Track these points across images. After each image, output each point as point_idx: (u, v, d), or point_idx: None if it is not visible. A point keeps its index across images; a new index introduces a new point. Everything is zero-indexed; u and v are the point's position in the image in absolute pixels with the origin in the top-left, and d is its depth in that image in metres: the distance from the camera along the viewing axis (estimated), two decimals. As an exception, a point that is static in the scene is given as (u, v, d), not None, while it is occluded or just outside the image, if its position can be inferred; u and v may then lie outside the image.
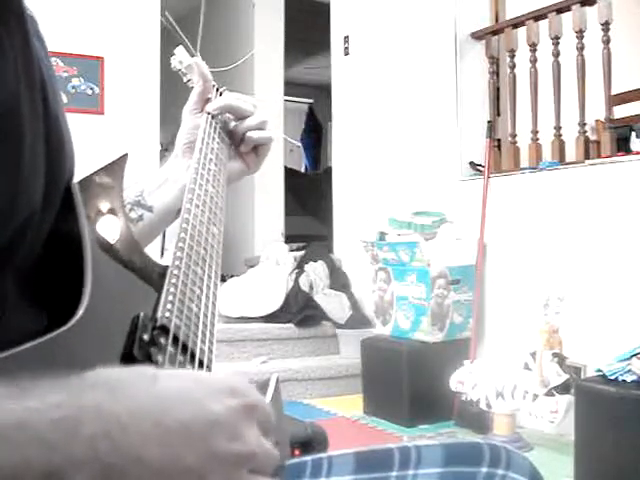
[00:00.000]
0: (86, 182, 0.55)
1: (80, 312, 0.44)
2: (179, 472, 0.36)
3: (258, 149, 0.94)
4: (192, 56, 1.01)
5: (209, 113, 0.90)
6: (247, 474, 0.39)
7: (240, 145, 0.93)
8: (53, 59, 3.89)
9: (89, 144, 3.00)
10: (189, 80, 1.00)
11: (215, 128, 0.88)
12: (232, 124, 0.93)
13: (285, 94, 5.52)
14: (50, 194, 0.49)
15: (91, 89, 3.99)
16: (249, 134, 0.92)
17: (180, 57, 1.00)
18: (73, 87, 3.93)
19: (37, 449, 0.33)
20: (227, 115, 0.93)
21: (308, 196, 6.08)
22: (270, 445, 0.42)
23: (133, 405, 0.37)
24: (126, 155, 0.61)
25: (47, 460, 0.33)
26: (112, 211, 0.56)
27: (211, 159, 0.80)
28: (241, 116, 0.92)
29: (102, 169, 0.57)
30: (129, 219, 0.80)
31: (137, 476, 0.35)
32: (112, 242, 0.54)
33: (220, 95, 0.95)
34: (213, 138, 0.85)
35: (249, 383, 0.43)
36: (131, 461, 0.35)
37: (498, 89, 3.52)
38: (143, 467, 0.35)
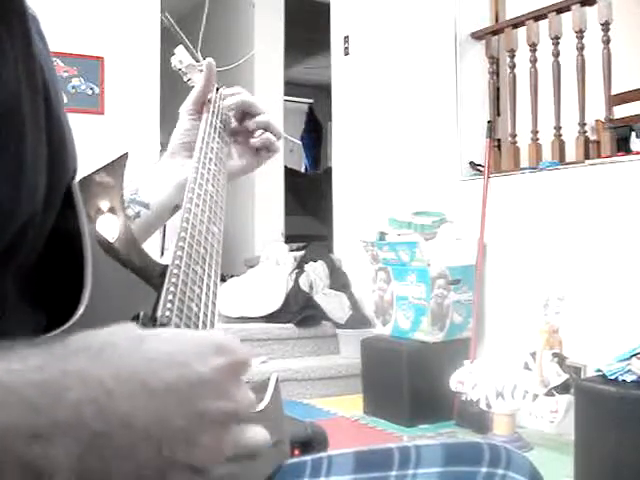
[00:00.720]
0: (86, 181, 0.55)
1: (80, 311, 0.44)
2: (167, 434, 0.36)
3: (264, 151, 0.95)
4: (193, 56, 1.01)
5: (211, 113, 0.90)
6: (234, 427, 0.40)
7: (248, 140, 0.94)
8: (53, 59, 3.88)
9: (89, 144, 3.00)
10: (189, 80, 1.00)
11: (215, 128, 0.88)
12: (234, 123, 0.93)
13: (285, 94, 5.52)
14: (52, 194, 0.49)
15: (91, 89, 3.99)
16: (267, 135, 0.93)
17: (180, 56, 1.00)
18: (73, 87, 3.93)
19: (21, 409, 0.33)
20: (229, 114, 0.92)
21: (308, 196, 6.08)
22: (251, 393, 0.42)
23: (118, 369, 0.36)
24: (126, 154, 0.61)
25: (32, 421, 0.33)
26: (112, 210, 0.56)
27: (211, 158, 0.80)
28: (254, 113, 0.93)
29: (102, 168, 0.57)
30: (128, 217, 0.80)
31: (125, 440, 0.35)
32: (112, 241, 0.54)
33: (220, 95, 0.95)
34: (213, 138, 0.85)
35: (233, 338, 0.42)
36: (118, 426, 0.35)
37: (498, 89, 3.52)
38: (131, 431, 0.35)
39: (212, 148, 0.82)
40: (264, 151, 0.95)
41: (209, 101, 0.93)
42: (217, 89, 0.96)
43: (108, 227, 0.54)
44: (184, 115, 0.93)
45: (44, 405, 0.34)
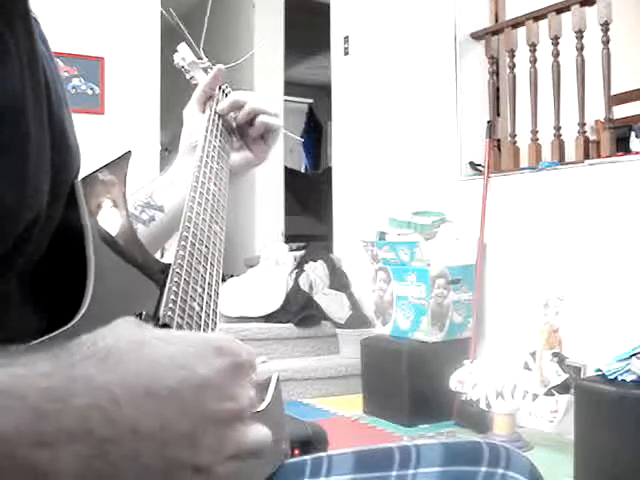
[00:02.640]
0: (89, 180, 0.55)
1: (82, 310, 0.44)
2: (172, 437, 0.37)
3: (267, 137, 0.93)
4: (196, 54, 1.00)
5: (213, 112, 0.90)
6: (238, 427, 0.40)
7: (248, 131, 0.93)
8: (55, 60, 3.89)
9: (89, 144, 3.00)
10: (192, 77, 1.00)
11: (217, 126, 0.88)
12: (234, 123, 0.93)
13: (285, 94, 5.52)
14: (56, 194, 0.50)
15: (91, 89, 3.99)
16: (261, 117, 0.91)
17: (183, 54, 0.99)
18: (73, 87, 3.93)
19: (27, 415, 0.33)
20: (231, 114, 0.92)
21: (308, 196, 6.08)
22: (253, 393, 0.42)
23: (123, 375, 0.37)
24: (129, 153, 0.61)
25: (38, 427, 0.33)
26: (115, 208, 0.56)
27: (213, 157, 0.80)
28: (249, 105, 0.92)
29: (105, 166, 0.57)
30: (140, 220, 0.80)
31: (131, 445, 0.35)
32: (115, 240, 0.54)
33: (225, 95, 0.95)
34: (215, 136, 0.85)
35: (235, 339, 0.43)
36: (125, 433, 0.35)
37: (498, 89, 3.52)
38: (137, 438, 0.35)
39: (214, 146, 0.82)
40: (261, 143, 0.94)
41: (211, 99, 0.93)
42: (222, 90, 0.95)
43: (111, 225, 0.54)
44: (188, 116, 0.93)
45: (50, 411, 0.34)
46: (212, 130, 0.85)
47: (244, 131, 0.93)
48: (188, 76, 1.00)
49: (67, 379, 0.35)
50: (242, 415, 0.40)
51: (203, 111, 0.93)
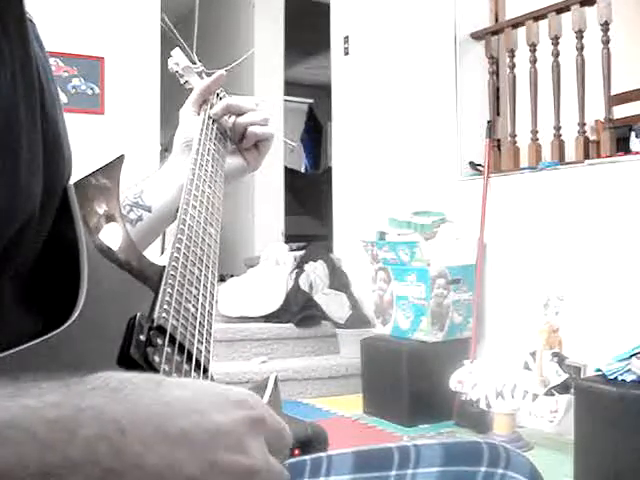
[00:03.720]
0: (82, 183, 0.55)
1: (76, 313, 0.44)
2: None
3: (259, 145, 0.93)
4: (190, 58, 1.01)
5: (207, 116, 0.90)
6: None
7: (241, 141, 0.93)
8: (53, 59, 3.90)
9: (89, 144, 3.00)
10: (186, 82, 1.00)
11: (212, 129, 0.88)
12: (230, 121, 0.93)
13: (285, 94, 5.53)
14: (48, 197, 0.50)
15: (91, 89, 3.99)
16: (251, 129, 0.91)
17: (177, 59, 1.00)
18: (73, 87, 3.93)
19: (32, 448, 0.33)
20: (225, 118, 0.92)
21: (308, 196, 6.08)
22: (276, 462, 0.41)
23: (134, 410, 0.36)
24: (122, 156, 0.61)
25: (43, 459, 0.33)
26: (108, 212, 0.56)
27: (208, 159, 0.80)
28: (241, 112, 0.92)
29: (98, 170, 0.57)
30: (128, 220, 0.80)
31: None
32: (108, 243, 0.54)
33: (219, 99, 0.95)
34: (210, 139, 0.85)
35: (256, 396, 0.42)
36: (130, 466, 0.35)
37: (498, 89, 3.52)
38: (142, 473, 0.35)
39: (209, 149, 0.82)
40: (254, 151, 0.94)
41: (206, 103, 0.93)
42: (217, 94, 0.95)
43: (104, 230, 0.54)
44: (184, 116, 0.93)
45: (57, 442, 0.33)
46: (207, 133, 0.85)
47: (237, 138, 0.93)
48: (182, 81, 1.00)
49: (76, 409, 0.35)
50: (255, 474, 0.39)
51: (199, 113, 0.93)
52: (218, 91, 0.96)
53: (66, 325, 0.43)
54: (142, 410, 0.36)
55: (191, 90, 0.99)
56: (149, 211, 0.85)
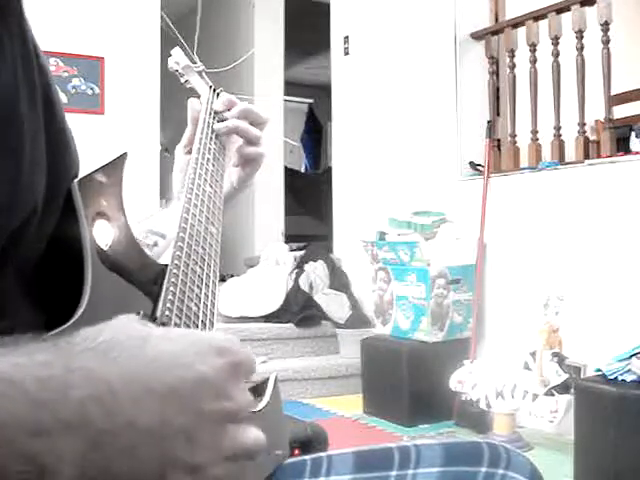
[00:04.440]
0: (85, 181, 0.55)
1: (80, 311, 0.45)
2: (169, 434, 0.37)
3: (246, 165, 0.88)
4: (190, 57, 1.00)
5: (207, 114, 0.89)
6: (233, 427, 0.40)
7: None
8: (53, 59, 3.90)
9: (89, 144, 3.00)
10: (186, 81, 1.00)
11: (212, 128, 0.87)
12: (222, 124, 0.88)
13: (285, 94, 5.52)
14: (53, 194, 0.50)
15: (91, 89, 3.99)
16: (239, 148, 0.87)
17: (177, 58, 1.00)
18: (73, 87, 3.93)
19: (24, 404, 0.33)
20: (220, 115, 0.90)
21: (308, 196, 6.08)
22: (249, 394, 0.43)
23: (123, 370, 0.37)
24: (125, 154, 0.61)
25: (35, 417, 0.33)
26: (111, 210, 0.56)
27: (209, 159, 0.80)
28: (248, 139, 0.87)
29: (101, 168, 0.57)
30: (144, 244, 0.79)
31: (128, 440, 0.36)
32: (111, 241, 0.54)
33: (217, 96, 0.94)
34: (210, 138, 0.84)
35: (235, 340, 0.43)
36: (122, 426, 0.35)
37: (498, 89, 3.52)
38: (134, 431, 0.36)
39: (210, 149, 0.82)
40: (239, 170, 0.88)
41: (206, 102, 0.92)
42: (214, 90, 0.95)
43: (107, 228, 0.54)
44: (180, 154, 0.89)
45: (49, 401, 0.34)
46: (207, 132, 0.85)
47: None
48: (182, 80, 1.00)
49: (66, 370, 0.35)
50: (238, 416, 0.40)
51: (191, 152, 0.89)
52: (214, 87, 0.96)
53: (69, 323, 0.43)
54: (131, 370, 0.37)
55: (191, 89, 0.98)
56: (163, 238, 0.84)
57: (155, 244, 0.81)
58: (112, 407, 0.35)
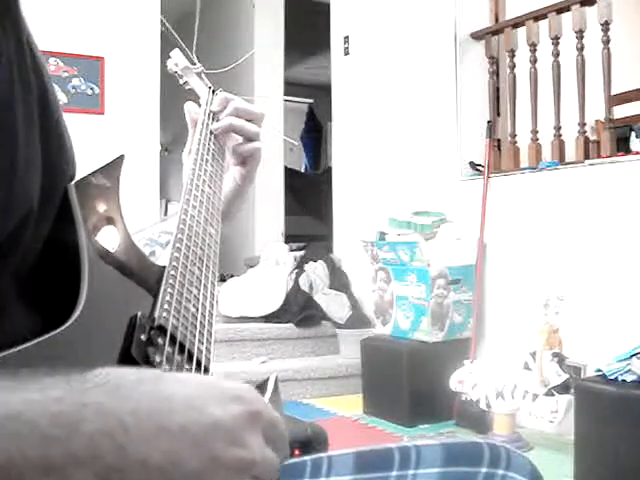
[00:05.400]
0: (82, 183, 0.55)
1: (76, 314, 0.44)
2: (180, 476, 0.36)
3: (246, 162, 0.89)
4: (189, 59, 1.00)
5: (206, 115, 0.89)
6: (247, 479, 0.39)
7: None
8: (53, 59, 3.90)
9: (89, 144, 3.00)
10: (185, 82, 1.00)
11: (211, 130, 0.87)
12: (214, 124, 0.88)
13: (285, 94, 5.52)
14: (48, 195, 0.50)
15: (91, 89, 3.99)
16: (235, 146, 0.87)
17: (176, 59, 1.00)
18: (73, 87, 3.93)
19: (34, 441, 0.33)
20: (218, 115, 0.90)
21: (308, 196, 6.08)
22: (271, 453, 0.41)
23: (136, 407, 0.36)
24: (122, 156, 0.61)
25: (45, 454, 0.33)
26: (109, 212, 0.56)
27: (207, 160, 0.79)
28: (245, 135, 0.87)
29: (98, 170, 0.57)
30: (158, 243, 0.79)
31: (139, 477, 0.35)
32: (108, 244, 0.54)
33: (215, 94, 0.94)
34: (209, 139, 0.84)
35: (251, 389, 0.42)
36: (133, 463, 0.35)
37: (498, 89, 3.52)
38: (145, 470, 0.35)
39: (208, 149, 0.82)
40: (240, 168, 0.89)
41: (204, 103, 0.92)
42: (213, 91, 0.95)
43: (105, 230, 0.54)
44: (186, 160, 0.89)
45: (59, 436, 0.33)
46: (206, 133, 0.85)
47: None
48: (181, 81, 1.00)
49: (78, 405, 0.35)
50: (253, 467, 0.39)
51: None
52: (215, 90, 0.95)
53: (66, 325, 0.43)
54: (143, 407, 0.37)
55: (190, 91, 0.98)
56: (163, 248, 0.84)
57: (152, 254, 0.81)
58: (123, 443, 0.35)
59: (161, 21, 3.92)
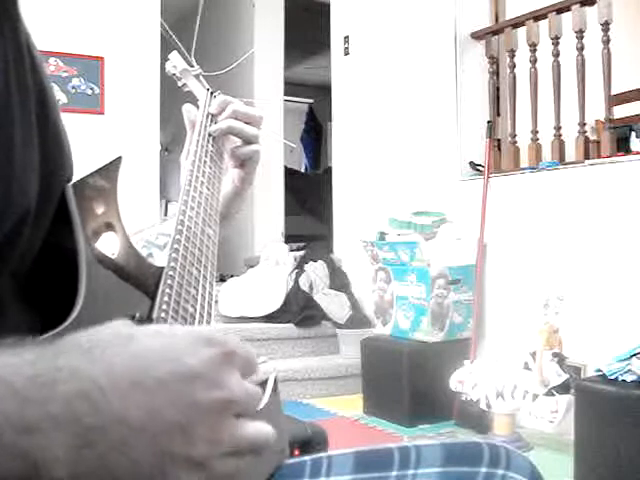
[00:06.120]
0: (80, 184, 0.55)
1: (74, 314, 0.45)
2: (162, 428, 0.37)
3: (244, 164, 0.89)
4: (187, 61, 1.00)
5: (205, 117, 0.89)
6: (232, 418, 0.40)
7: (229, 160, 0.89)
8: (53, 59, 3.90)
9: (89, 144, 3.00)
10: (183, 84, 1.00)
11: (209, 132, 0.87)
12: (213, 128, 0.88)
13: (285, 94, 5.52)
14: (46, 195, 0.50)
15: (91, 89, 3.99)
16: (233, 149, 0.88)
17: (174, 62, 1.00)
18: (73, 87, 3.93)
19: (12, 402, 0.34)
20: (216, 117, 0.90)
21: (308, 196, 6.08)
22: (252, 386, 0.42)
23: (110, 367, 0.37)
24: (120, 158, 0.61)
25: (23, 414, 0.34)
26: (106, 214, 0.56)
27: (206, 161, 0.79)
28: (243, 138, 0.87)
29: (96, 171, 0.57)
30: (156, 245, 0.79)
31: (119, 436, 0.36)
32: (106, 245, 0.54)
33: (214, 97, 0.94)
34: (208, 141, 0.84)
35: (221, 331, 0.43)
36: (112, 422, 0.35)
37: (498, 89, 3.52)
38: (124, 427, 0.36)
39: (207, 151, 0.82)
40: (239, 171, 0.89)
41: (203, 105, 0.92)
42: (211, 93, 0.95)
43: (102, 231, 0.54)
44: (184, 163, 0.89)
45: (36, 397, 0.34)
46: (205, 135, 0.85)
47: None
48: (180, 83, 1.00)
49: (52, 368, 0.36)
50: (235, 405, 0.40)
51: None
52: (214, 92, 0.95)
53: (64, 325, 0.43)
54: (117, 366, 0.37)
55: (189, 93, 0.98)
56: (161, 250, 0.84)
57: (150, 255, 0.81)
58: (99, 403, 0.35)
59: (161, 24, 3.92)
